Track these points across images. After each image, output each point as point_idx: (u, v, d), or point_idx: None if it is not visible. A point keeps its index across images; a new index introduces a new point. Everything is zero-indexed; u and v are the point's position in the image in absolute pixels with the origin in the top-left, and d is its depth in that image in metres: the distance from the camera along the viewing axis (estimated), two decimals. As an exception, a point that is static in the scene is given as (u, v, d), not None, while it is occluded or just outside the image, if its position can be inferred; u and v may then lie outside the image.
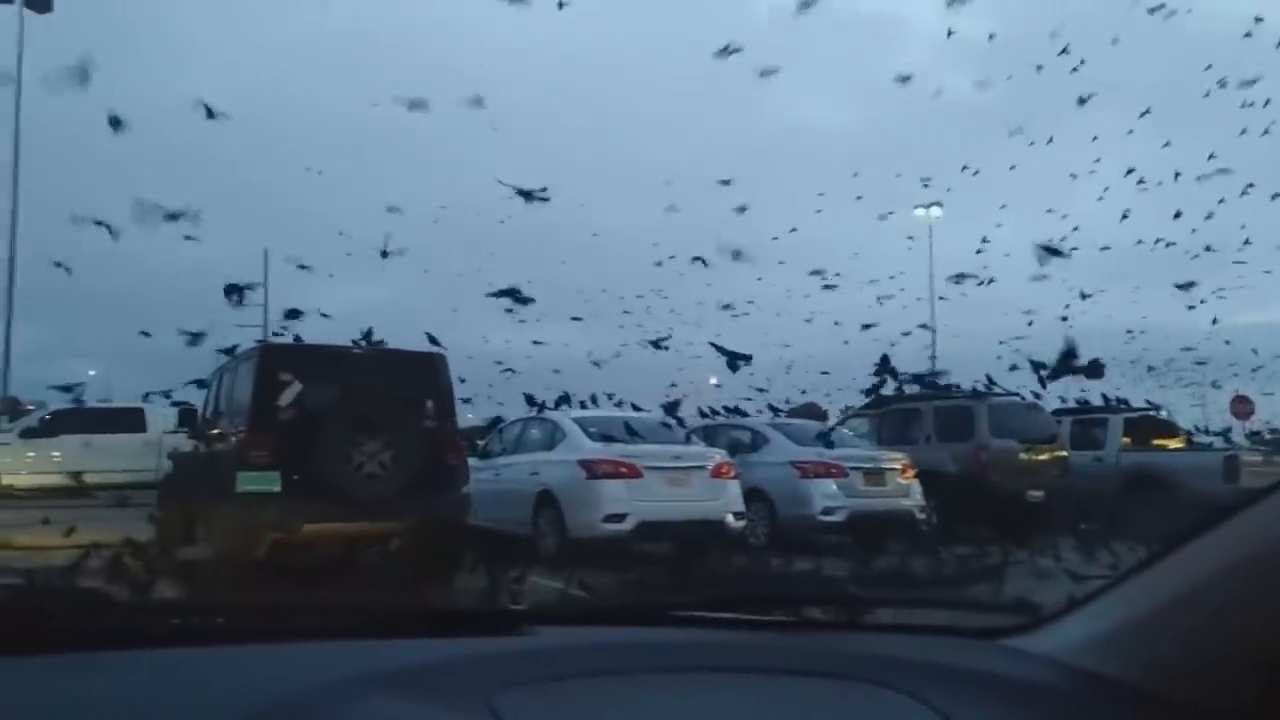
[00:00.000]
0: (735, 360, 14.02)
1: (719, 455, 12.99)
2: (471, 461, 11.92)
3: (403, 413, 10.13)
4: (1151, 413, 18.99)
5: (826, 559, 8.61)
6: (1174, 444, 18.29)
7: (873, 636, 1.74)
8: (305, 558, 9.65)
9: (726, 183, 15.36)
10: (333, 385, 10.00)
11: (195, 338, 11.86)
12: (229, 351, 11.81)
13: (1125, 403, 18.92)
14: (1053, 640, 1.60)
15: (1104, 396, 19.13)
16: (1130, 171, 16.04)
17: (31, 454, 21.31)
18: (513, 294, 12.57)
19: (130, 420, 21.83)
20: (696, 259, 15.75)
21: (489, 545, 10.54)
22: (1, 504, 17.77)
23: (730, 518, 12.27)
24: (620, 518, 11.68)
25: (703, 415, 17.64)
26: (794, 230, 19.97)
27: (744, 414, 17.14)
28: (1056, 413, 18.33)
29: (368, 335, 11.75)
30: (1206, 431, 20.09)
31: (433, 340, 12.08)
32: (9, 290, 27.89)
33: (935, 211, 34.57)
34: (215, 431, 10.90)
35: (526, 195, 12.56)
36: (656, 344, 16.09)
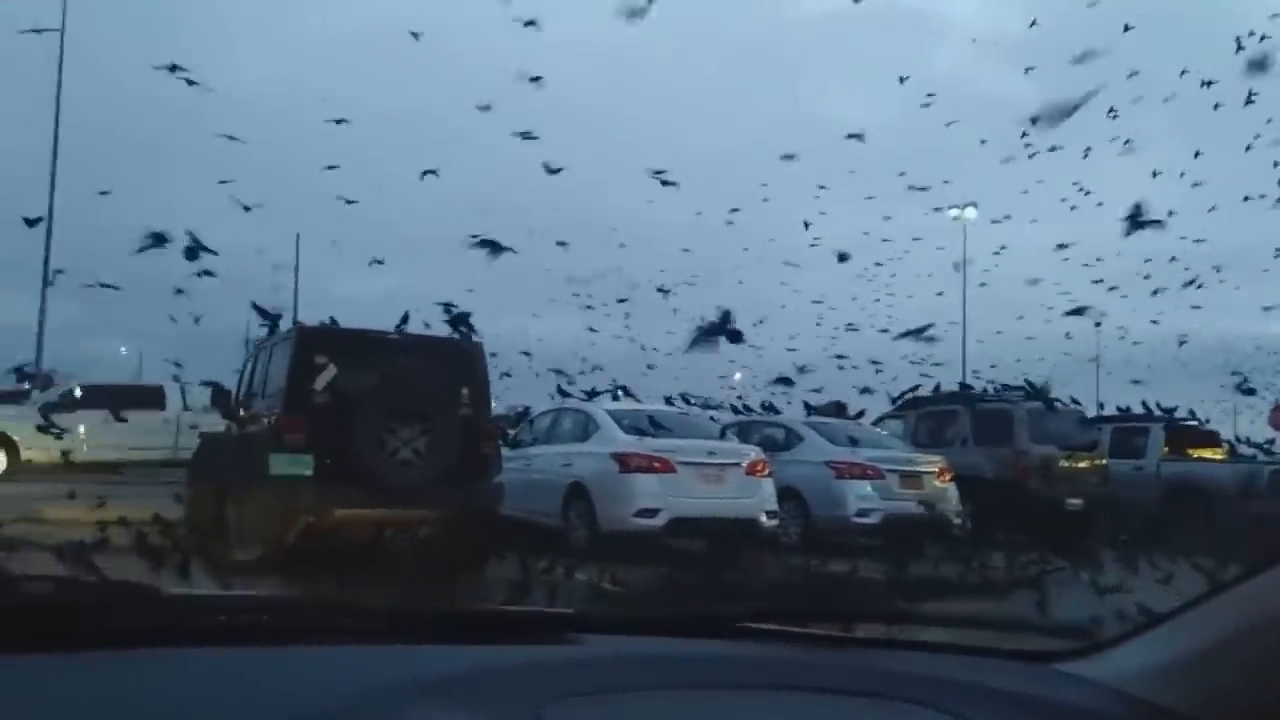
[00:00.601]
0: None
1: (754, 452, 12.88)
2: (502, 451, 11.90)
3: (438, 400, 10.12)
4: (1193, 422, 18.74)
5: (861, 561, 8.50)
6: (1215, 454, 18.05)
7: (924, 655, 1.70)
8: (335, 542, 9.66)
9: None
10: (369, 370, 9.99)
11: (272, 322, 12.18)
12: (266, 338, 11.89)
13: (1168, 411, 18.70)
14: (1109, 667, 1.55)
15: (1145, 404, 18.95)
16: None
17: (54, 430, 21.55)
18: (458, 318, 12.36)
19: (149, 398, 22.04)
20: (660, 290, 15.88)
21: (520, 536, 10.50)
22: (24, 478, 18.06)
23: (763, 516, 12.16)
24: (652, 513, 11.62)
25: (736, 412, 17.59)
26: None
27: (777, 411, 17.07)
28: (1097, 420, 18.14)
29: (404, 320, 11.78)
30: (1247, 442, 19.83)
31: (470, 328, 12.08)
32: (44, 267, 28.29)
33: (970, 212, 34.25)
34: (248, 413, 10.94)
35: (493, 247, 13.05)
36: (625, 390, 16.35)
